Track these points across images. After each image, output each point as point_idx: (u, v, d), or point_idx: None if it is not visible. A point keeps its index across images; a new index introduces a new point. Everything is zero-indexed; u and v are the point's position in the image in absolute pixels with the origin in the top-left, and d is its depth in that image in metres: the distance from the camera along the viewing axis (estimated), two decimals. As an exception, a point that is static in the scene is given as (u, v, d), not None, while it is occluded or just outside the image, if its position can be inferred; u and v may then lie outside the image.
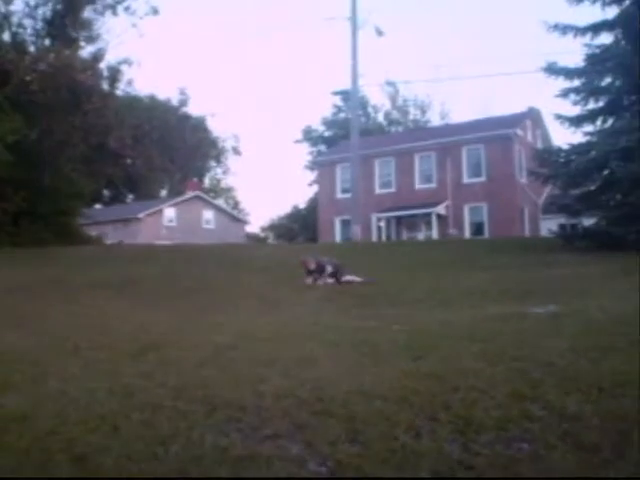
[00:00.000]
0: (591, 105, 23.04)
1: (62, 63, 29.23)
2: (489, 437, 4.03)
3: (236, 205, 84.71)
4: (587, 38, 22.79)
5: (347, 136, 43.97)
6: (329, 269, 14.68)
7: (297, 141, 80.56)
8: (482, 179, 42.75)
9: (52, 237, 29.97)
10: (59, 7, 32.85)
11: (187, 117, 55.46)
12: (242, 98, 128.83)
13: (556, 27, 22.93)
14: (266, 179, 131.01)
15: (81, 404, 4.89)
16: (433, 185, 44.40)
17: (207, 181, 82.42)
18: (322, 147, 74.23)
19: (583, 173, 21.81)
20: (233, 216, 65.86)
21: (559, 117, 23.50)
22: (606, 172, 21.56)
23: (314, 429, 4.23)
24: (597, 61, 22.37)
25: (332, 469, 3.71)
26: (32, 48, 33.00)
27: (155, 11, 35.12)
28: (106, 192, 68.94)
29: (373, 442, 3.99)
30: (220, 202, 71.68)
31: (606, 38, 22.90)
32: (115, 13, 34.04)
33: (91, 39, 33.99)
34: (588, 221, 22.83)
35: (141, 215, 52.88)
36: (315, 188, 59.58)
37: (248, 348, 6.81)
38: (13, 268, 18.59)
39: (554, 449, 3.84)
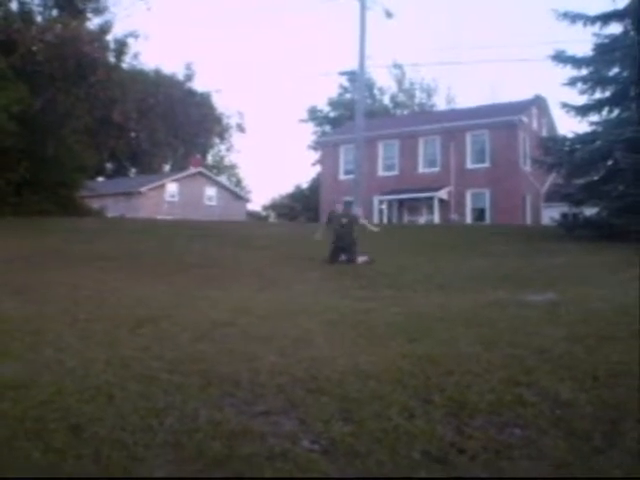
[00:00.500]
0: (597, 95, 22.96)
1: (69, 34, 29.08)
2: (482, 421, 4.05)
3: (239, 183, 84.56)
4: (596, 27, 22.67)
5: (352, 117, 43.82)
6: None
7: (302, 120, 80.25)
8: (486, 165, 42.61)
9: (54, 208, 29.96)
10: (67, -22, 32.70)
11: (192, 92, 55.15)
12: (248, 75, 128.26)
13: (566, 15, 22.81)
14: (269, 158, 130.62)
15: (77, 374, 4.92)
16: (436, 169, 44.26)
17: (210, 158, 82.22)
18: (327, 127, 73.97)
19: (587, 163, 21.75)
20: (235, 193, 65.69)
21: (565, 106, 23.41)
22: (610, 162, 21.50)
23: (308, 407, 4.25)
24: (605, 51, 22.26)
25: (325, 446, 3.73)
26: (39, 18, 32.81)
27: (164, -16, 34.90)
28: (109, 165, 68.81)
29: (366, 422, 4.01)
30: (223, 179, 71.54)
31: (615, 28, 22.80)
32: (124, -15, 33.89)
33: (98, 11, 33.80)
34: (590, 211, 22.80)
35: (143, 189, 52.73)
36: (318, 168, 59.45)
37: (245, 324, 6.83)
38: (14, 238, 18.59)
39: (546, 435, 3.87)
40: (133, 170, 72.53)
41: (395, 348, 5.71)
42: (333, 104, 77.91)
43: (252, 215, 68.63)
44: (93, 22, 33.77)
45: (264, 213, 77.94)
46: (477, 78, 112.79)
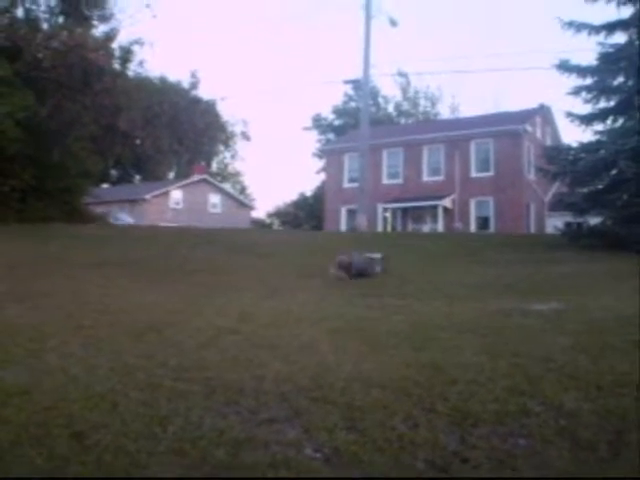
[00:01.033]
0: (602, 104, 22.95)
1: (74, 41, 29.14)
2: (486, 430, 4.04)
3: (243, 190, 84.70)
4: (601, 37, 22.69)
5: (357, 125, 43.89)
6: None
7: (306, 128, 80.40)
8: (490, 174, 42.62)
9: (58, 215, 29.95)
10: (73, -15, 32.77)
11: (197, 100, 55.22)
12: (253, 83, 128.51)
13: (571, 24, 22.82)
14: (274, 165, 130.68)
15: (81, 381, 4.92)
16: (441, 178, 44.27)
17: (215, 165, 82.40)
18: (331, 135, 74.10)
19: (591, 172, 21.73)
20: (239, 201, 65.81)
21: (569, 115, 23.42)
22: (614, 172, 21.47)
23: (312, 415, 4.25)
24: (610, 60, 22.27)
25: (328, 455, 3.73)
26: (45, 25, 32.89)
27: (169, -8, 34.98)
28: (114, 172, 68.96)
29: (370, 430, 4.01)
30: (227, 187, 71.66)
31: (620, 37, 22.81)
32: (129, -8, 33.95)
33: (104, 18, 33.86)
34: (594, 220, 22.78)
35: (147, 196, 52.84)
36: (322, 176, 59.44)
37: (249, 332, 6.83)
38: (18, 244, 18.61)
39: (551, 445, 3.86)
40: (138, 177, 72.68)
41: (399, 357, 5.71)
42: (338, 112, 78.07)
43: (256, 223, 68.67)
44: (99, 29, 33.85)
45: (268, 221, 78.02)
46: (481, 87, 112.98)
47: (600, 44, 22.62)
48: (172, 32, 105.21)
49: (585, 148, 22.57)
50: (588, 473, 3.62)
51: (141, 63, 36.81)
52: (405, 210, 44.48)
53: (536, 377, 5.01)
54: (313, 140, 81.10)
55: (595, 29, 22.61)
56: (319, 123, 79.29)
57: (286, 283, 12.54)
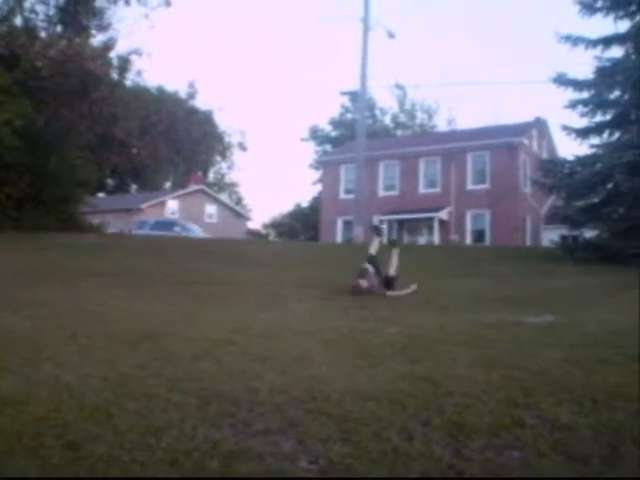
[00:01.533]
0: (598, 118, 23.08)
1: (72, 50, 29.25)
2: (481, 443, 4.04)
3: (239, 201, 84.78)
4: (598, 50, 22.83)
5: (353, 137, 43.97)
6: (368, 267, 13.09)
7: (303, 139, 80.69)
8: (486, 186, 42.73)
9: (54, 223, 29.93)
10: (72, -6, 32.88)
11: (194, 110, 55.40)
12: (250, 94, 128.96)
13: (568, 38, 22.94)
14: (270, 176, 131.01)
15: (75, 391, 4.91)
16: (437, 190, 44.37)
17: (211, 175, 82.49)
18: (328, 147, 74.26)
19: (587, 185, 21.80)
20: (236, 211, 65.83)
21: (566, 128, 23.52)
22: (610, 185, 21.56)
23: (306, 427, 4.24)
24: (607, 74, 22.37)
25: (323, 467, 3.72)
26: (43, 34, 33.00)
27: (167, 3, 35.12)
28: (110, 181, 68.97)
29: (365, 443, 4.00)
30: (224, 197, 71.70)
31: (616, 51, 22.95)
32: (128, 3, 34.05)
33: (102, 28, 33.99)
34: (590, 233, 22.83)
35: (144, 206, 52.83)
36: (319, 187, 59.58)
37: (244, 343, 6.83)
38: (14, 253, 18.61)
39: (545, 458, 3.85)
40: (134, 187, 72.68)
41: (394, 369, 5.70)
42: (334, 124, 78.29)
43: (252, 233, 68.66)
44: (97, 39, 34.03)
45: (264, 231, 78.03)
46: (478, 99, 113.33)
47: (597, 58, 22.75)
48: (170, 42, 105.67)
49: (581, 161, 22.67)
50: (582, 486, 3.63)
51: (139, 73, 37.05)
52: (401, 222, 44.58)
53: (531, 390, 5.00)
54: (310, 151, 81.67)
55: (592, 43, 22.73)
56: (316, 134, 79.53)
57: (281, 294, 12.53)
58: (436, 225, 42.50)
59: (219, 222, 59.25)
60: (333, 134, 77.60)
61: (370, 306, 10.70)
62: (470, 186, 43.35)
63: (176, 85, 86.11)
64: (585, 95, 22.96)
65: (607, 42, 22.69)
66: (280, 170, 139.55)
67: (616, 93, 22.86)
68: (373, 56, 78.55)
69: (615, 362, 5.89)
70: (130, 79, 36.30)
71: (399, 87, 74.19)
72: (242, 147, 79.63)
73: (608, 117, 22.93)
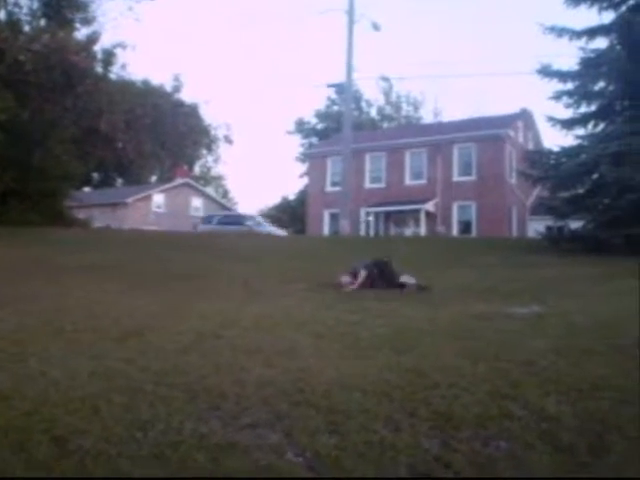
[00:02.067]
0: (583, 109, 23.10)
1: (56, 44, 29.06)
2: (468, 434, 4.05)
3: (226, 194, 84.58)
4: (582, 42, 22.83)
5: (339, 129, 43.95)
6: (363, 274, 12.71)
7: (289, 132, 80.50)
8: (472, 178, 42.77)
9: (39, 218, 29.81)
10: (56, -13, 32.68)
11: (180, 103, 55.15)
12: (236, 87, 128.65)
13: (552, 29, 22.93)
14: (257, 169, 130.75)
15: (62, 385, 4.89)
16: (423, 182, 44.39)
17: (197, 169, 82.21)
18: (314, 139, 74.12)
19: (573, 176, 21.83)
20: (222, 205, 65.70)
21: (551, 119, 23.54)
22: (595, 176, 21.60)
23: (294, 419, 4.24)
24: (591, 65, 22.40)
25: (310, 460, 3.73)
26: (27, 28, 32.76)
27: (152, -5, 34.98)
28: (95, 175, 68.62)
29: (352, 434, 4.01)
30: (210, 190, 71.53)
31: (601, 42, 22.97)
32: (112, -5, 33.90)
33: (86, 21, 33.77)
34: (575, 224, 22.89)
35: (129, 200, 52.65)
36: (305, 180, 59.48)
37: (231, 336, 6.82)
38: (0, 248, 18.52)
39: (532, 448, 3.88)
40: (120, 181, 72.36)
41: (381, 360, 5.71)
42: (320, 116, 78.11)
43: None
44: (81, 32, 33.79)
45: (251, 224, 77.75)
46: (464, 91, 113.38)
47: (581, 49, 22.76)
48: (155, 35, 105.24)
49: (566, 152, 22.71)
50: (569, 475, 3.64)
51: (124, 66, 36.83)
52: (388, 214, 44.57)
53: (517, 381, 5.03)
54: (296, 144, 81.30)
55: (576, 34, 22.75)
56: (302, 127, 79.37)
57: (268, 287, 12.53)
58: (423, 217, 42.52)
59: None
60: (319, 127, 77.45)
61: (357, 298, 10.70)
62: (456, 177, 43.39)
63: (161, 78, 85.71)
64: (570, 86, 22.98)
65: (592, 33, 22.72)
66: (266, 163, 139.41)
67: (601, 84, 22.90)
68: (359, 48, 78.47)
69: (600, 352, 5.93)
70: (115, 72, 36.12)
71: (385, 79, 74.11)
72: (228, 140, 79.26)
73: (593, 108, 22.97)
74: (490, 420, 4.25)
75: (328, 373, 5.22)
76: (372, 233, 43.43)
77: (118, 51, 34.65)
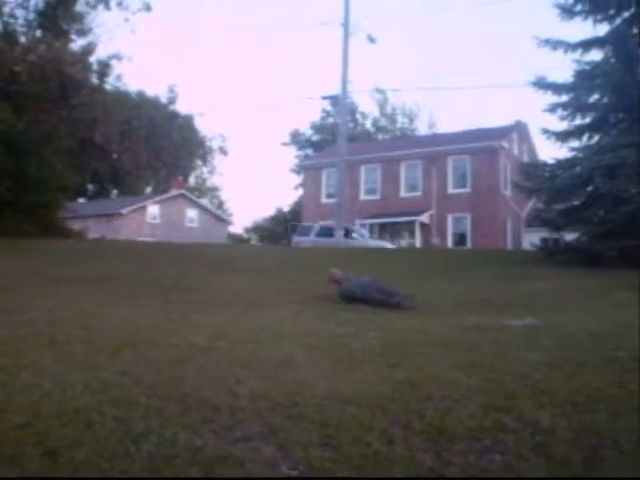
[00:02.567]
0: (578, 121, 23.15)
1: (52, 55, 29.14)
2: (462, 447, 4.04)
3: (220, 205, 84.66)
4: (577, 54, 22.93)
5: (334, 141, 44.07)
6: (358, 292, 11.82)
7: (284, 144, 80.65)
8: (467, 190, 42.91)
9: (35, 229, 29.78)
10: (52, -1, 32.73)
11: (175, 115, 55.26)
12: (231, 99, 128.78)
13: (547, 42, 23.03)
14: (252, 180, 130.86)
15: (55, 398, 4.87)
16: (418, 194, 44.52)
17: (192, 180, 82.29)
18: (309, 151, 74.32)
19: (567, 188, 21.88)
20: (217, 216, 65.73)
21: (545, 132, 23.59)
22: (590, 188, 21.65)
23: (288, 432, 4.23)
24: (586, 77, 22.48)
25: (304, 472, 3.71)
26: (23, 39, 32.83)
27: (148, 7, 35.15)
28: (90, 186, 68.67)
29: (346, 447, 4.00)
30: (205, 201, 71.57)
31: (596, 55, 23.08)
32: (108, 7, 33.96)
33: (82, 32, 33.87)
34: (570, 236, 22.93)
35: (124, 211, 52.65)
36: (300, 192, 59.59)
37: (225, 349, 6.80)
38: (-7, 259, 18.47)
39: (526, 461, 3.86)
40: (115, 192, 72.41)
41: (374, 373, 5.70)
42: (316, 128, 78.34)
43: (233, 238, 68.58)
44: (77, 43, 33.91)
45: (246, 236, 77.93)
46: (459, 103, 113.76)
47: (576, 61, 22.86)
48: (151, 47, 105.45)
49: (561, 165, 22.76)
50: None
51: (119, 77, 37.00)
52: (383, 226, 44.66)
53: (512, 393, 5.02)
54: (291, 156, 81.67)
55: (571, 46, 22.85)
56: (297, 139, 79.59)
57: (263, 299, 12.51)
58: (417, 228, 42.62)
59: (200, 226, 59.16)
60: (314, 138, 77.66)
61: (351, 310, 10.69)
62: (451, 189, 43.52)
63: (156, 90, 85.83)
64: (564, 98, 23.06)
65: (586, 45, 22.82)
66: (261, 174, 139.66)
67: (595, 96, 22.97)
68: (354, 61, 78.71)
69: (595, 365, 5.92)
70: (110, 84, 36.26)
71: (380, 91, 74.39)
72: (223, 151, 79.49)
73: (587, 120, 23.03)
74: (484, 432, 4.24)
75: (322, 386, 5.21)
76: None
77: (113, 62, 34.85)
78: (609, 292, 12.31)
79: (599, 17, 22.62)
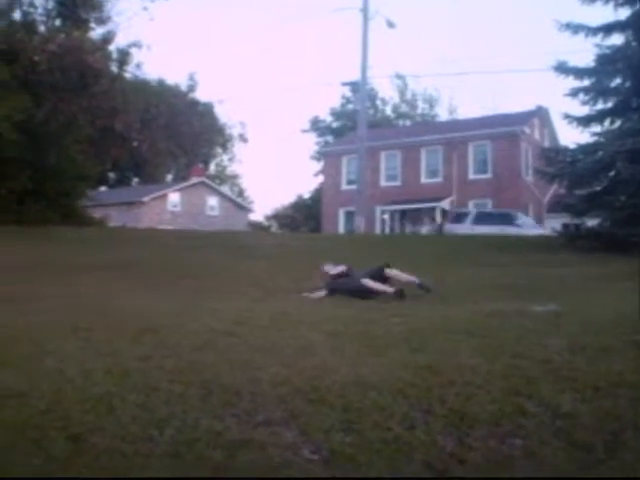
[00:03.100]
0: (600, 105, 22.97)
1: (71, 44, 29.17)
2: (483, 432, 4.04)
3: (241, 193, 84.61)
4: (598, 38, 22.71)
5: (354, 128, 43.91)
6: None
7: (304, 131, 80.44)
8: (488, 175, 42.71)
9: (56, 217, 29.95)
10: (71, -13, 32.75)
11: (195, 103, 55.24)
12: (251, 86, 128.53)
13: (568, 26, 22.84)
14: (272, 168, 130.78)
15: (78, 384, 4.91)
16: (439, 180, 44.35)
17: (213, 167, 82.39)
18: (329, 138, 74.10)
19: (589, 173, 21.75)
20: (237, 203, 65.74)
21: (567, 116, 23.43)
22: (612, 173, 21.50)
23: (309, 417, 4.24)
24: (607, 62, 22.29)
25: (325, 457, 3.73)
26: (42, 28, 32.87)
27: (167, -6, 35.00)
28: (111, 175, 68.89)
29: (367, 432, 4.01)
30: (225, 189, 71.61)
31: (617, 39, 22.85)
32: (127, -6, 33.92)
33: (101, 21, 33.82)
34: (592, 221, 22.79)
35: (145, 199, 52.80)
36: (320, 178, 59.45)
37: (246, 334, 6.82)
38: (15, 247, 18.61)
39: (547, 446, 3.86)
40: (135, 180, 72.60)
41: (396, 358, 5.69)
42: (336, 114, 78.09)
43: (254, 225, 68.62)
44: (96, 32, 33.88)
45: (266, 223, 77.91)
46: (479, 89, 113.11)
47: (597, 46, 22.65)
48: (170, 35, 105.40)
49: (583, 150, 22.61)
50: (584, 473, 3.63)
51: (138, 66, 36.86)
52: (403, 212, 44.56)
53: (533, 378, 5.00)
54: (311, 142, 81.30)
55: (592, 31, 22.63)
56: (317, 125, 79.36)
57: (283, 285, 12.54)
58: (438, 215, 42.45)
59: (221, 214, 59.21)
60: (334, 125, 77.43)
61: (372, 298, 10.67)
62: (472, 175, 43.33)
63: (176, 78, 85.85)
64: (586, 83, 22.88)
65: (608, 30, 22.60)
66: (282, 161, 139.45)
67: (617, 81, 22.79)
68: (373, 46, 78.56)
69: (617, 349, 5.88)
70: (130, 72, 36.16)
71: (399, 77, 74.10)
72: (243, 139, 79.47)
73: (609, 105, 22.84)
74: (505, 417, 4.23)
75: (343, 371, 5.21)
76: (388, 231, 43.41)
77: (133, 50, 34.69)
78: (631, 277, 12.21)
79: (620, 1, 22.39)
